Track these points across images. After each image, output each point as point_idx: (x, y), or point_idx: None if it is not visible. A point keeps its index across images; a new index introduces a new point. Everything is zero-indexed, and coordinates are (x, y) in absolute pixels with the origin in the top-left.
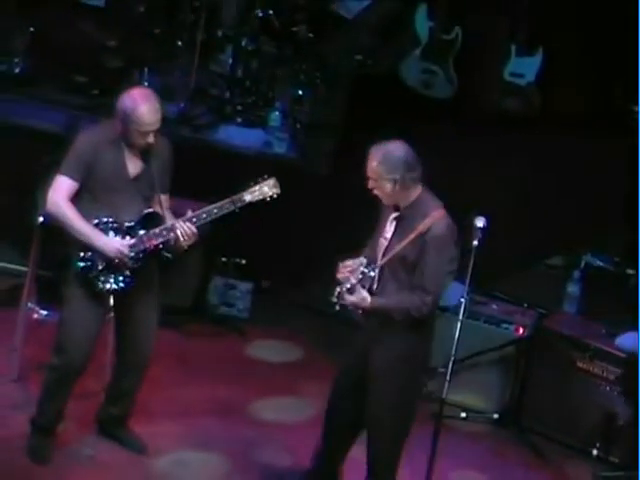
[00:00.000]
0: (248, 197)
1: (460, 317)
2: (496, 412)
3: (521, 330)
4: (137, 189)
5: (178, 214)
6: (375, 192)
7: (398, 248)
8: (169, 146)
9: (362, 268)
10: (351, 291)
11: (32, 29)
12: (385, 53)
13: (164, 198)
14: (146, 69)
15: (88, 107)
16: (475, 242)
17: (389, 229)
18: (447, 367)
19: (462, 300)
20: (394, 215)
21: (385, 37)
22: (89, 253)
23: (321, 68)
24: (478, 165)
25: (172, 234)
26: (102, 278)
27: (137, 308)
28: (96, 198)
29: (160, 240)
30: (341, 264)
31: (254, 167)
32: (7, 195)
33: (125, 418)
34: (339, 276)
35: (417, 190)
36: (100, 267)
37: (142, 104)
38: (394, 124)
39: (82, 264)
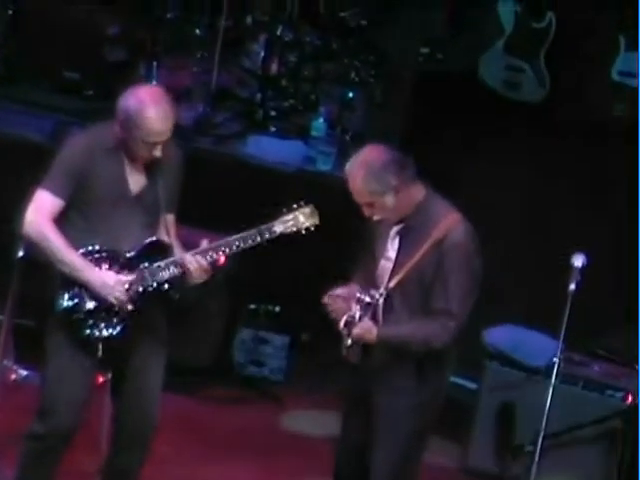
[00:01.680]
0: (279, 228)
1: (553, 381)
2: None
3: (630, 398)
4: (139, 209)
5: (190, 246)
6: (376, 218)
7: (410, 264)
8: (180, 153)
9: (361, 296)
10: (352, 322)
11: (10, 11)
12: (459, 45)
13: (170, 219)
14: (155, 63)
15: (81, 111)
16: (572, 286)
17: (391, 247)
18: (536, 444)
19: (555, 360)
20: (396, 229)
21: (459, 25)
22: (75, 289)
23: (377, 64)
24: (576, 189)
25: (180, 269)
26: (90, 322)
27: (137, 363)
28: (87, 220)
29: (166, 276)
30: (330, 295)
31: (292, 189)
32: None
33: None
34: (331, 308)
35: (420, 191)
36: (88, 308)
37: (150, 106)
38: (469, 134)
39: (65, 303)
